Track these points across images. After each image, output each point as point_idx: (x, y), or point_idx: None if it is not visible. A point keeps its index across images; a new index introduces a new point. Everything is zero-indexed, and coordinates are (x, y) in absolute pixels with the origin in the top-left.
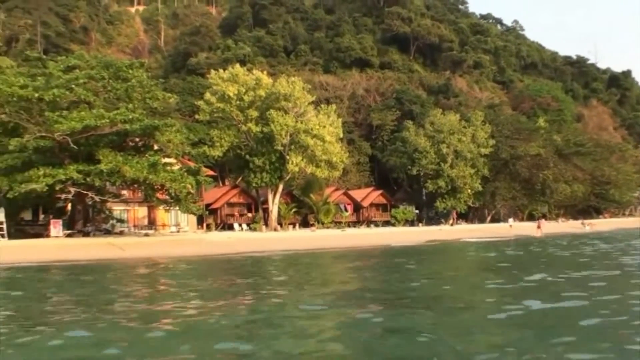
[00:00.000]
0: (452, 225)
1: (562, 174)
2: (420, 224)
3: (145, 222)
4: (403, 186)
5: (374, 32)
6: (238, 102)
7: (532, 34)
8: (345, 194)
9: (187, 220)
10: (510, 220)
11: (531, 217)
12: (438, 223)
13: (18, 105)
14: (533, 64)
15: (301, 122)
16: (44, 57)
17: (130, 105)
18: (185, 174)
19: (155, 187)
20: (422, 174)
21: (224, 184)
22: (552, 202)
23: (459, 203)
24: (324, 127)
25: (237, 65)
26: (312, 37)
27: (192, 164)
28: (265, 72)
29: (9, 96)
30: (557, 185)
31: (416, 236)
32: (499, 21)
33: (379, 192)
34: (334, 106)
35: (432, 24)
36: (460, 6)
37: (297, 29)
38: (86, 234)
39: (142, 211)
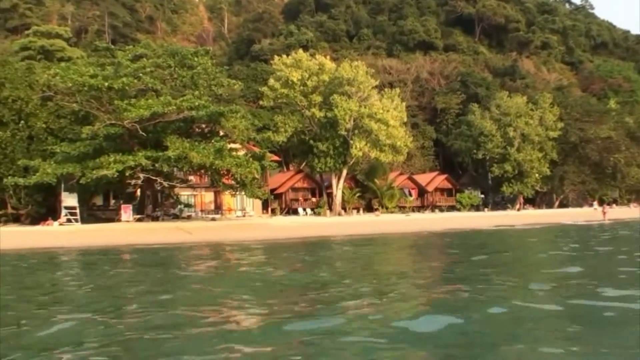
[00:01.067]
0: (518, 210)
1: (634, 158)
2: (485, 209)
3: (212, 206)
4: (468, 170)
5: (437, 14)
6: (302, 87)
7: (602, 12)
8: (410, 178)
9: (253, 205)
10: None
11: (601, 202)
12: (504, 208)
13: (88, 94)
14: (603, 44)
15: (365, 107)
16: (112, 47)
17: (196, 92)
18: (251, 159)
19: (222, 172)
20: (487, 158)
21: (288, 169)
22: (623, 187)
23: (526, 188)
24: (388, 111)
25: (300, 50)
26: (374, 20)
27: (257, 150)
28: (328, 57)
29: (80, 85)
30: (629, 170)
31: (487, 221)
32: (567, 0)
33: (444, 176)
34: (397, 90)
35: (498, 4)
36: None
37: (360, 13)
38: (155, 219)
39: (208, 196)
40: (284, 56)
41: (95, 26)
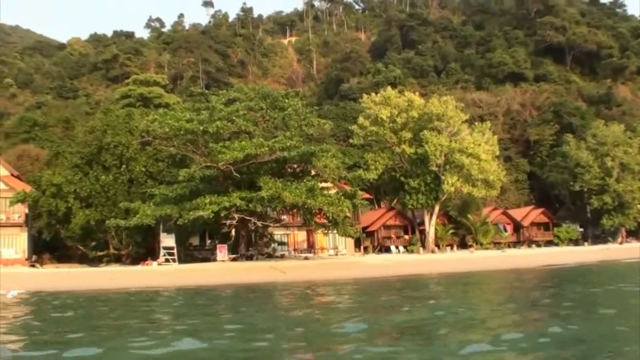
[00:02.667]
0: (621, 243)
1: None
2: (585, 243)
3: (305, 245)
4: (565, 203)
5: (526, 44)
6: (391, 124)
7: None
8: (504, 213)
9: (345, 243)
10: None
11: None
12: (605, 242)
13: (185, 138)
14: None
15: (455, 142)
16: (206, 92)
17: (288, 133)
18: (342, 197)
19: (314, 211)
20: (585, 189)
21: (379, 206)
22: None
23: (628, 219)
24: (479, 145)
25: (389, 87)
26: (462, 54)
27: (348, 188)
28: (416, 93)
29: (176, 130)
30: None
31: (588, 255)
32: None
33: (540, 210)
34: (488, 123)
35: (589, 31)
36: (618, 10)
37: (447, 48)
38: (249, 258)
39: (301, 235)
40: (373, 94)
41: (190, 72)
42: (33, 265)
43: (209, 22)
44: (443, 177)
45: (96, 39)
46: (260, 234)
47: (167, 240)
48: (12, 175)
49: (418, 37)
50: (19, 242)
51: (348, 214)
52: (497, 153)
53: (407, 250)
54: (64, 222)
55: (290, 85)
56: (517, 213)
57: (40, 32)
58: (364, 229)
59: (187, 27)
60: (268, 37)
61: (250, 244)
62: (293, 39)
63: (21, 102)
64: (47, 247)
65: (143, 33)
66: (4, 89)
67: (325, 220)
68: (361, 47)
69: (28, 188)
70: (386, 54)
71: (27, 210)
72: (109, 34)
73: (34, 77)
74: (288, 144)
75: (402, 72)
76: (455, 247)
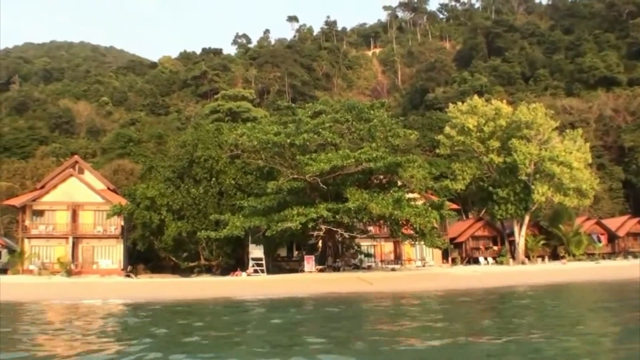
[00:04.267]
0: None
1: None
2: None
3: (392, 257)
4: None
5: (618, 47)
6: (478, 133)
7: None
8: (598, 223)
9: (432, 255)
10: None
11: None
12: None
13: (272, 151)
14: None
15: (545, 150)
16: (293, 105)
17: (374, 144)
18: (429, 208)
19: (401, 222)
20: None
21: (467, 217)
22: None
23: None
24: (570, 153)
25: (475, 96)
26: (550, 60)
27: (435, 198)
28: (504, 101)
29: (264, 143)
30: None
31: None
32: None
33: (636, 220)
34: (579, 130)
35: None
36: None
37: (535, 54)
38: (336, 269)
39: (388, 246)
40: (459, 103)
41: (276, 87)
42: (128, 275)
43: (294, 36)
44: (533, 187)
45: (186, 57)
46: (347, 245)
47: (256, 252)
48: (109, 189)
49: (504, 44)
50: (115, 253)
51: (435, 225)
52: (590, 161)
53: (496, 262)
54: (158, 234)
55: (375, 97)
56: (612, 223)
57: (133, 51)
58: (452, 240)
59: (272, 42)
60: (352, 50)
61: (337, 255)
62: (377, 50)
63: (116, 119)
64: (141, 257)
65: (230, 49)
66: (100, 107)
67: (412, 232)
68: (446, 56)
69: (124, 201)
70: (472, 62)
71: (122, 223)
72: (198, 51)
73: (127, 95)
74: (374, 155)
75: (489, 80)
76: (546, 259)
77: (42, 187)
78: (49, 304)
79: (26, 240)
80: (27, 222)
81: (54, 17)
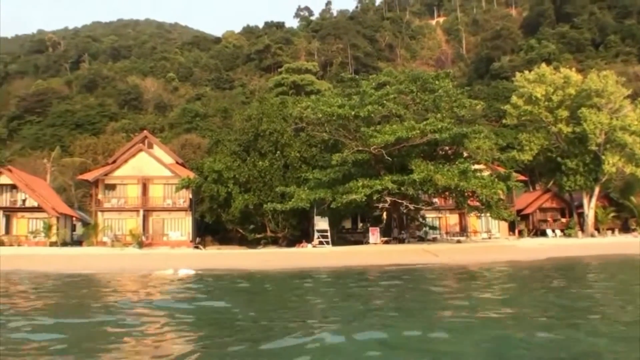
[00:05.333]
0: None
1: None
2: None
3: (457, 228)
4: None
5: None
6: (546, 102)
7: None
8: None
9: (499, 227)
10: None
11: None
12: None
13: (337, 123)
14: None
15: (617, 119)
16: (356, 77)
17: (439, 115)
18: (496, 179)
19: (466, 194)
20: None
21: (534, 188)
22: None
23: None
24: None
25: (543, 64)
26: (622, 25)
27: (501, 170)
28: (573, 69)
29: (329, 116)
30: None
31: None
32: None
33: None
34: None
35: None
36: None
37: (605, 19)
38: (401, 241)
39: (453, 218)
40: (526, 72)
41: (339, 59)
42: (197, 247)
43: (356, 7)
44: (603, 157)
45: (249, 31)
46: (412, 217)
47: (321, 223)
48: (177, 163)
49: (573, 9)
50: (184, 225)
51: (502, 197)
52: None
53: (564, 234)
54: (225, 207)
55: (439, 67)
56: None
57: (197, 27)
58: (519, 212)
59: (334, 14)
60: (415, 19)
61: (402, 227)
62: (441, 19)
63: (182, 94)
64: (209, 230)
65: (292, 22)
66: (167, 82)
67: (478, 203)
68: (512, 23)
69: (192, 175)
70: (539, 29)
71: (191, 196)
72: (261, 25)
73: (193, 70)
74: (439, 126)
75: (557, 48)
76: (616, 231)
77: (114, 161)
78: (145, 274)
79: (99, 214)
80: (100, 196)
81: None
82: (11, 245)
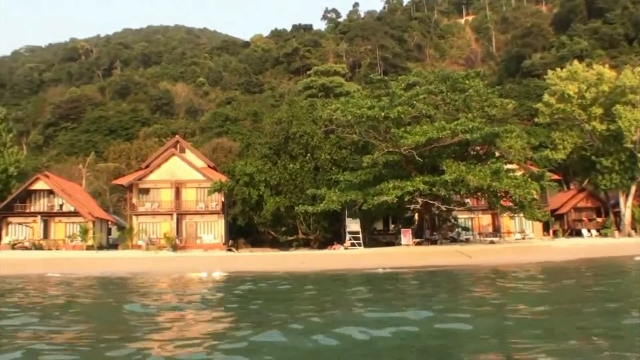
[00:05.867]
0: None
1: None
2: None
3: (490, 229)
4: None
5: None
6: (579, 100)
7: None
8: None
9: (532, 227)
10: None
11: None
12: None
13: (367, 124)
14: None
15: None
16: (385, 78)
17: (469, 115)
18: (529, 179)
19: (499, 194)
20: None
21: (569, 188)
22: None
23: None
24: None
25: (575, 61)
26: None
27: (535, 169)
28: (606, 65)
29: (358, 117)
30: None
31: None
32: None
33: None
34: None
35: None
36: None
37: (639, 13)
38: (433, 242)
39: (486, 219)
40: (558, 69)
41: (367, 60)
42: (230, 249)
43: (384, 8)
44: (639, 155)
45: (277, 34)
46: (444, 218)
47: (352, 225)
48: (209, 166)
49: (605, 4)
50: (217, 228)
51: (535, 196)
52: None
53: (600, 234)
54: (256, 209)
55: (469, 66)
56: None
57: (226, 32)
58: (553, 211)
59: (362, 15)
60: (444, 18)
61: (434, 228)
62: (470, 17)
63: (213, 98)
64: (241, 232)
65: (320, 25)
66: (197, 87)
67: (511, 203)
68: (543, 20)
69: (223, 178)
70: (570, 25)
71: (223, 199)
72: (289, 28)
73: (222, 74)
74: (470, 126)
75: (589, 44)
76: None
77: (147, 166)
78: (180, 276)
79: (134, 217)
80: (134, 200)
81: (150, 2)
82: (49, 249)
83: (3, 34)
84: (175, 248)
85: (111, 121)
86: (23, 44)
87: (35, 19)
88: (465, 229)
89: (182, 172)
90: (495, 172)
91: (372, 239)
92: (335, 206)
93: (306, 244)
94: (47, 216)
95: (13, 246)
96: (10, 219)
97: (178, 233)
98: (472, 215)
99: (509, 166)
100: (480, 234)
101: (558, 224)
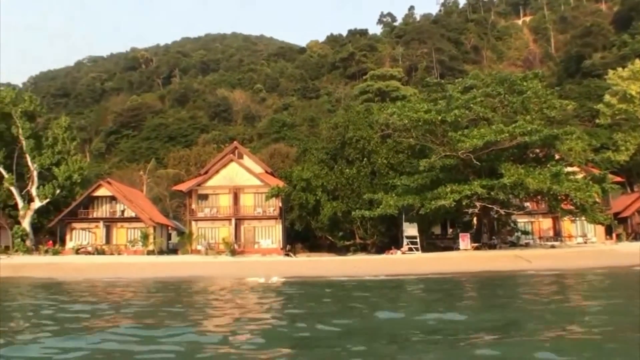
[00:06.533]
0: None
1: None
2: None
3: (551, 233)
4: None
5: None
6: None
7: None
8: None
9: (595, 231)
10: None
11: None
12: None
13: (424, 128)
14: None
15: None
16: (442, 81)
17: (528, 117)
18: (590, 182)
19: (559, 197)
20: None
21: (632, 190)
22: None
23: None
24: None
25: (637, 60)
26: None
27: (596, 171)
28: None
29: (415, 121)
30: None
31: None
32: None
33: None
34: None
35: None
36: None
37: None
38: (492, 247)
39: (546, 222)
40: (619, 69)
41: (424, 63)
42: (287, 254)
43: (439, 10)
44: None
45: (333, 40)
46: (503, 222)
47: (410, 230)
48: (266, 172)
49: None
50: (274, 233)
51: (597, 200)
52: None
53: None
54: (314, 214)
55: (528, 67)
56: None
57: (282, 38)
58: (616, 215)
59: (417, 18)
60: (501, 20)
61: (493, 232)
62: (527, 18)
63: (270, 104)
64: (299, 237)
65: (376, 29)
66: (254, 93)
67: (572, 207)
68: (603, 19)
69: (281, 183)
70: (632, 23)
71: (280, 204)
72: (344, 33)
73: (279, 80)
74: (529, 129)
75: None
76: None
77: (206, 172)
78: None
79: (193, 223)
80: (193, 206)
81: (208, 11)
82: (112, 254)
83: (68, 46)
84: (233, 253)
85: (171, 128)
86: (86, 55)
87: (98, 30)
88: (525, 232)
89: (240, 178)
90: (555, 175)
91: (429, 243)
92: (392, 211)
93: (363, 248)
94: (110, 222)
95: (77, 251)
96: (74, 225)
97: (236, 238)
98: (532, 219)
99: (570, 169)
100: (540, 238)
101: (621, 227)
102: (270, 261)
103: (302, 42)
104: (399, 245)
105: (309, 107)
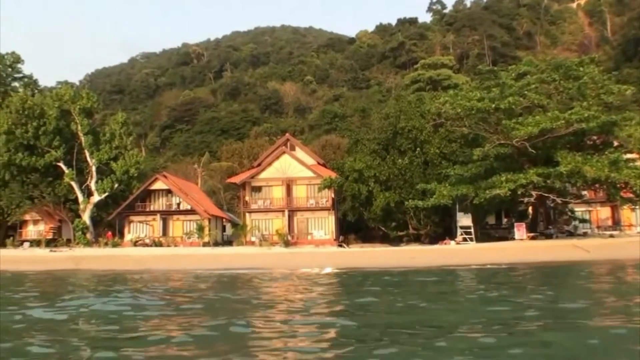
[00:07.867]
0: None
1: None
2: None
3: (609, 222)
4: None
5: None
6: None
7: None
8: None
9: None
10: None
11: None
12: None
13: (477, 117)
14: None
15: None
16: (495, 68)
17: (585, 104)
18: None
19: (618, 185)
20: None
21: None
22: None
23: None
24: None
25: None
26: None
27: None
28: None
29: (468, 110)
30: None
31: None
32: None
33: None
34: None
35: None
36: None
37: None
38: (549, 236)
39: (605, 211)
40: None
41: (475, 50)
42: (340, 245)
43: None
44: None
45: (382, 29)
46: (560, 211)
47: (464, 220)
48: (318, 163)
49: None
50: (327, 224)
51: None
52: None
53: None
54: (366, 205)
55: (583, 52)
56: None
57: (331, 29)
58: None
59: (468, 5)
60: (554, 4)
61: (549, 221)
62: (582, 1)
63: (320, 96)
64: (351, 228)
65: (425, 17)
66: (305, 85)
67: (632, 195)
68: None
69: (333, 175)
70: None
71: (333, 195)
72: (394, 22)
73: (329, 72)
74: (586, 115)
75: None
76: None
77: (258, 164)
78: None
79: (247, 214)
80: (247, 198)
81: (257, 5)
82: (168, 245)
83: (123, 43)
84: (287, 244)
85: (223, 122)
86: (139, 51)
87: (150, 27)
88: (583, 221)
89: (292, 170)
90: (614, 163)
91: (484, 233)
92: (445, 201)
93: (417, 239)
94: (166, 214)
95: (135, 243)
96: (132, 218)
97: (289, 229)
98: (590, 208)
99: (629, 156)
100: (598, 227)
101: None
102: (324, 252)
103: (352, 33)
104: (452, 236)
105: (359, 98)
